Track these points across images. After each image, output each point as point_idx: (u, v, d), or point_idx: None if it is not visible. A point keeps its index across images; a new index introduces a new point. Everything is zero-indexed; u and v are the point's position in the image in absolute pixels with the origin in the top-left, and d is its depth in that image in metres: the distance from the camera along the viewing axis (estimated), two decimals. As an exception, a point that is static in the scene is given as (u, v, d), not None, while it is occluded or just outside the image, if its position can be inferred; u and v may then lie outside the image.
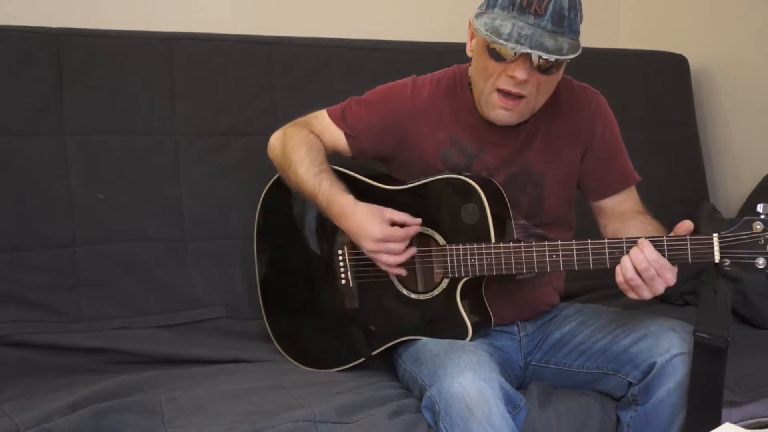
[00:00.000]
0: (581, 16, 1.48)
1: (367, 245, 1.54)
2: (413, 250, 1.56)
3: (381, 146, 1.69)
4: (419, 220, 1.56)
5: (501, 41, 1.41)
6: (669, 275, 1.40)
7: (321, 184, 1.59)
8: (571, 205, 1.71)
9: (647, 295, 1.41)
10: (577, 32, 1.47)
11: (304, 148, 1.64)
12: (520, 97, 1.50)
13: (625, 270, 1.40)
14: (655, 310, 2.05)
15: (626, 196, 1.68)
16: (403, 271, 1.58)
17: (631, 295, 1.43)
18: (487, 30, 1.43)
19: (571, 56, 1.45)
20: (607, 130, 1.66)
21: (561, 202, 1.68)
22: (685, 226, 1.41)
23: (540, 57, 1.42)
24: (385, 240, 1.52)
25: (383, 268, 1.57)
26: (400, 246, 1.54)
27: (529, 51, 1.41)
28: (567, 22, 1.43)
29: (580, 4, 1.48)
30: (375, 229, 1.52)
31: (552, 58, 1.42)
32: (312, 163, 1.61)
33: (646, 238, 1.41)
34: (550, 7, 1.41)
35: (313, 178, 1.60)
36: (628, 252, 1.41)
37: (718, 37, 2.60)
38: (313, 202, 1.62)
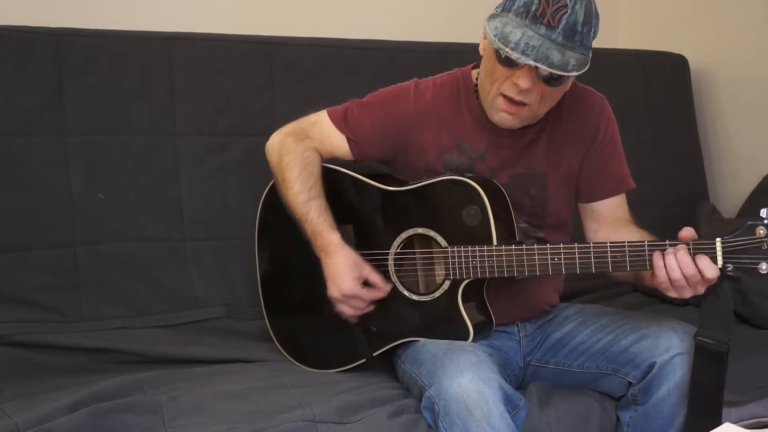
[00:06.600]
0: (596, 32, 1.46)
1: (333, 293, 1.59)
2: (370, 308, 1.60)
3: (383, 150, 1.68)
4: (390, 286, 1.60)
5: (507, 49, 1.41)
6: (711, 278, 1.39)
7: (309, 213, 1.61)
8: (571, 207, 1.71)
9: (688, 294, 1.41)
10: (588, 48, 1.46)
11: (297, 168, 1.63)
12: (522, 104, 1.50)
13: (671, 271, 1.38)
14: (655, 310, 2.06)
15: (619, 202, 1.68)
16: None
17: (672, 294, 1.42)
18: (496, 35, 1.42)
19: (576, 73, 1.44)
20: (609, 133, 1.66)
21: (564, 204, 1.68)
22: (687, 234, 1.41)
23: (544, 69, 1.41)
24: (352, 297, 1.57)
25: (338, 311, 1.61)
26: (362, 305, 1.59)
27: (533, 63, 1.40)
28: (579, 36, 1.42)
29: (597, 19, 1.46)
30: (347, 284, 1.56)
31: (555, 72, 1.42)
32: (303, 188, 1.62)
33: (647, 242, 1.41)
34: (564, 20, 1.40)
35: (302, 205, 1.61)
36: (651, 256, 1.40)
37: (718, 37, 2.59)
38: (299, 227, 1.63)
